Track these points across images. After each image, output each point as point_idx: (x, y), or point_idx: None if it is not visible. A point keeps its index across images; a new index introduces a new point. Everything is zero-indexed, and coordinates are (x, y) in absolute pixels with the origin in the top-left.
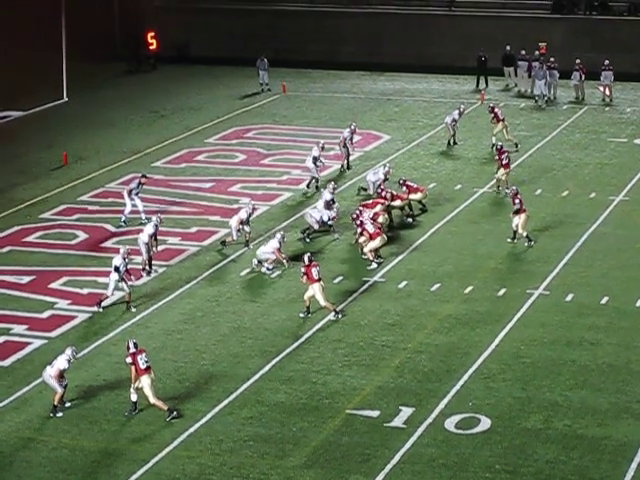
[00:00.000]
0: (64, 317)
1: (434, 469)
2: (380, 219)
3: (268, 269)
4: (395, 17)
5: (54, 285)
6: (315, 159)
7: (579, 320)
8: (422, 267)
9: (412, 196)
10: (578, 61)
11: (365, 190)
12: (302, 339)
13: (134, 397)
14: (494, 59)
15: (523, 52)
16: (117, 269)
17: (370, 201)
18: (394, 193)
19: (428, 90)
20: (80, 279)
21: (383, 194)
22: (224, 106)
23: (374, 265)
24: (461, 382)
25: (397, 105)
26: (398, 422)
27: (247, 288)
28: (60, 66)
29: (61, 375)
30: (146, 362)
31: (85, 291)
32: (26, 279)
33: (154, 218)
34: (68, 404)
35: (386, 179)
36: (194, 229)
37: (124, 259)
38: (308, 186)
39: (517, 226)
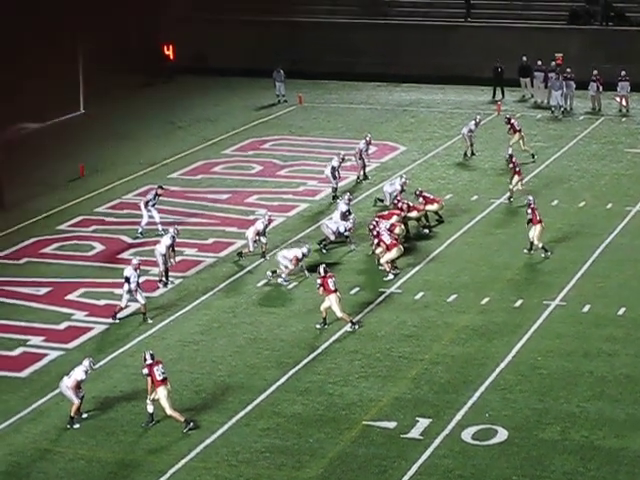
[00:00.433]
0: (81, 328)
1: None
2: (397, 230)
3: (285, 280)
4: (411, 28)
5: (71, 296)
6: (334, 169)
7: (596, 331)
8: (439, 278)
9: (428, 207)
10: (595, 72)
11: (382, 201)
12: (319, 350)
13: (150, 408)
14: (510, 70)
15: (539, 63)
16: (127, 280)
17: (386, 212)
18: (410, 204)
19: (444, 101)
20: (97, 290)
21: (399, 205)
22: (240, 117)
23: (390, 276)
24: (478, 393)
25: (413, 116)
26: (415, 433)
27: (263, 299)
28: (77, 78)
29: (78, 386)
30: (162, 373)
31: (102, 302)
32: (43, 290)
33: (171, 230)
34: (85, 415)
35: (403, 190)
36: (210, 240)
37: (135, 270)
38: (334, 197)
39: (533, 237)
